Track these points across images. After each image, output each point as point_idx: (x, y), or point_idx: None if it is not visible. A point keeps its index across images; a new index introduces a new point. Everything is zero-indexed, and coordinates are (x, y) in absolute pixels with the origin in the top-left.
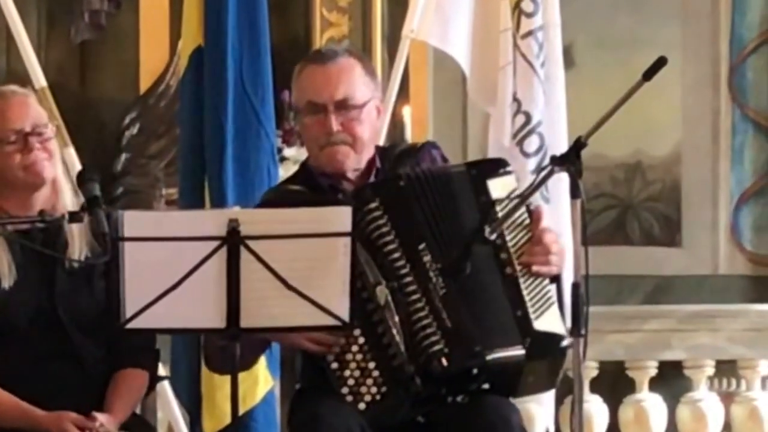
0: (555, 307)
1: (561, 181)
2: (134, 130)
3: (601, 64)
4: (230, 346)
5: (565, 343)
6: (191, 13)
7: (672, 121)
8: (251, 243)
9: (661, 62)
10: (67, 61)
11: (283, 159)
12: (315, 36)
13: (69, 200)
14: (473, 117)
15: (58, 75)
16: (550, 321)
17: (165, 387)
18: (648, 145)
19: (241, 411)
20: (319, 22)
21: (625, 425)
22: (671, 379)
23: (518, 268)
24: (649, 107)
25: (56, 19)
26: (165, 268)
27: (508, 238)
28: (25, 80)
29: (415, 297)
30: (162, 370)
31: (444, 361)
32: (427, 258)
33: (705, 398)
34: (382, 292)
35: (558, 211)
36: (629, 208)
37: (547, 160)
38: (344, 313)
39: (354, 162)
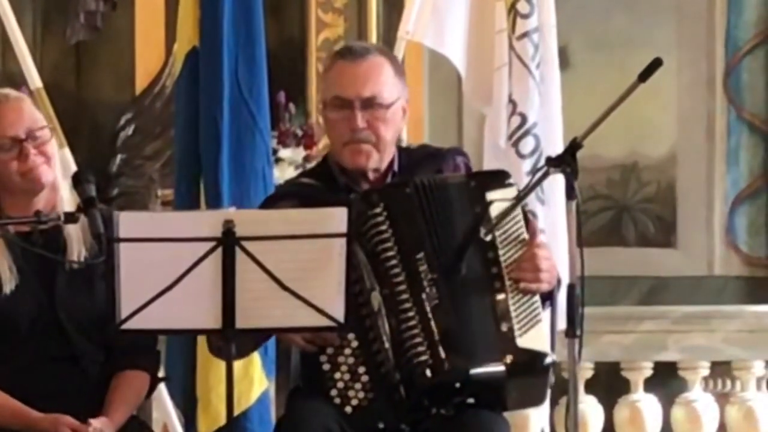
0: (541, 325)
1: (556, 182)
2: (130, 131)
3: (597, 65)
4: (225, 347)
5: (547, 361)
6: (186, 14)
7: (667, 122)
8: (246, 244)
9: (656, 63)
10: (63, 61)
11: (278, 160)
12: (310, 37)
13: (67, 200)
14: (469, 118)
15: (54, 76)
16: (534, 338)
17: (160, 387)
18: (643, 147)
19: (236, 412)
20: (315, 24)
21: (620, 426)
22: (666, 380)
23: (508, 283)
24: (645, 108)
25: (51, 19)
26: (160, 268)
27: (500, 252)
28: (20, 81)
29: (406, 306)
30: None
31: (428, 373)
32: (423, 268)
33: (700, 399)
34: (376, 299)
35: (553, 213)
36: (624, 209)
37: (542, 162)
38: (339, 314)
39: (375, 162)
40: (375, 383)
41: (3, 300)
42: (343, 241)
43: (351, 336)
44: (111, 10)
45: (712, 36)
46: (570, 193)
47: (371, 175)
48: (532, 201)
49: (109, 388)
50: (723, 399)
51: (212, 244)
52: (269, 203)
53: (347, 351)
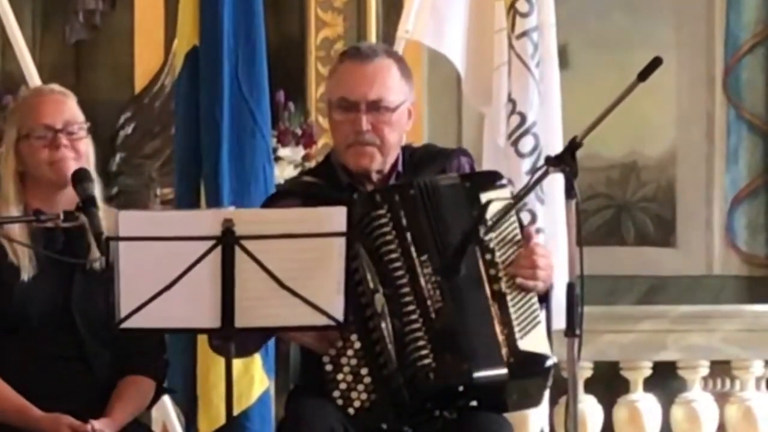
0: (541, 326)
1: (556, 181)
2: (129, 129)
3: (596, 64)
4: (224, 346)
5: (548, 363)
6: (186, 13)
7: (667, 121)
8: (246, 243)
9: (656, 63)
10: (62, 60)
11: (277, 159)
12: (310, 36)
13: (97, 203)
14: (468, 117)
15: (53, 75)
16: (535, 341)
17: None
18: (643, 146)
19: (237, 411)
20: (314, 23)
21: (620, 425)
22: (666, 380)
23: (507, 285)
24: (644, 108)
25: (51, 18)
26: (160, 267)
27: (498, 254)
28: (19, 80)
29: (410, 308)
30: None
31: (431, 376)
32: (427, 270)
33: (699, 399)
34: (379, 300)
35: (553, 212)
36: (624, 209)
37: (542, 161)
38: (338, 313)
39: (379, 164)
40: (378, 385)
41: (18, 289)
42: (342, 240)
43: (354, 337)
44: (110, 8)
45: (711, 35)
46: (569, 192)
47: (374, 177)
48: (531, 200)
49: (115, 390)
50: (722, 398)
51: (211, 243)
52: (271, 201)
53: (350, 352)
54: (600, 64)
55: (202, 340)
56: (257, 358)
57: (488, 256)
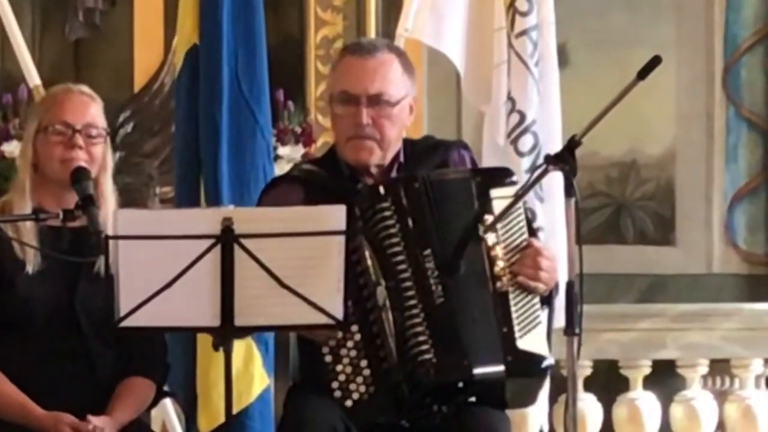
0: (541, 327)
1: (555, 179)
2: (128, 128)
3: (596, 63)
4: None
5: (545, 363)
6: (186, 11)
7: (666, 119)
8: (245, 241)
9: (655, 61)
10: (62, 59)
11: (276, 158)
12: (309, 35)
13: (110, 212)
14: (467, 116)
15: (53, 73)
16: (534, 341)
17: None
18: (642, 144)
19: (237, 409)
20: (314, 21)
21: (619, 424)
22: (665, 378)
23: (510, 283)
24: (644, 106)
25: (50, 17)
26: (159, 266)
27: (502, 251)
28: (19, 79)
29: (412, 302)
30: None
31: (432, 372)
32: (430, 264)
33: (699, 397)
34: (381, 293)
35: (552, 210)
36: (623, 207)
37: (541, 159)
38: (338, 312)
39: (378, 158)
40: (377, 378)
41: (23, 286)
42: (341, 238)
43: (354, 329)
44: (110, 7)
45: (711, 33)
46: (569, 191)
47: (374, 170)
48: (530, 198)
49: (116, 391)
50: (722, 397)
51: (211, 241)
52: (274, 184)
53: (350, 344)
54: (599, 63)
55: (202, 338)
56: (257, 356)
57: (492, 253)
